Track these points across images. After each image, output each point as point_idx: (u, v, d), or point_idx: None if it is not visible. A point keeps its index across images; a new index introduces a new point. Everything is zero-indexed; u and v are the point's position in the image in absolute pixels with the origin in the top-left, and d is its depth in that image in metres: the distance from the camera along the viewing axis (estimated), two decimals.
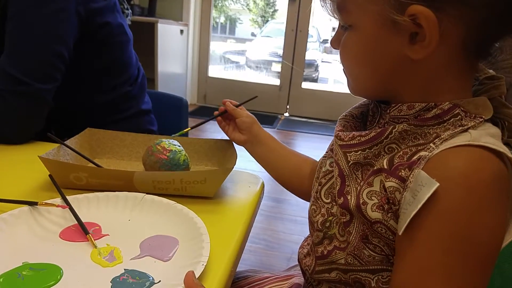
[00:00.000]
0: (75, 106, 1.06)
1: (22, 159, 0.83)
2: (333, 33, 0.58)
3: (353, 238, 0.52)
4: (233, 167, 0.70)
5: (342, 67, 0.58)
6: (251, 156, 0.85)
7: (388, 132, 0.50)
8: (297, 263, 0.70)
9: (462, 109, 0.48)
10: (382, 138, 0.51)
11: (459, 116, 0.47)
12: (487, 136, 0.45)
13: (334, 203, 0.57)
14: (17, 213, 0.56)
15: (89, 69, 1.04)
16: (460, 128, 0.46)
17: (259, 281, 0.75)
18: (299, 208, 2.23)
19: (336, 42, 0.56)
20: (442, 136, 0.46)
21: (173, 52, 4.00)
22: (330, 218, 0.57)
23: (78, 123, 0.91)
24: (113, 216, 0.61)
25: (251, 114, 0.84)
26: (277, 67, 4.85)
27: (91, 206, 0.62)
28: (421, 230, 0.43)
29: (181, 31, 4.13)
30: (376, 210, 0.49)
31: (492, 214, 0.43)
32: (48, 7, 0.89)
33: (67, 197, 0.61)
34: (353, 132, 0.55)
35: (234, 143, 0.84)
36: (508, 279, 0.63)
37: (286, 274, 0.78)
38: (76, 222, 0.57)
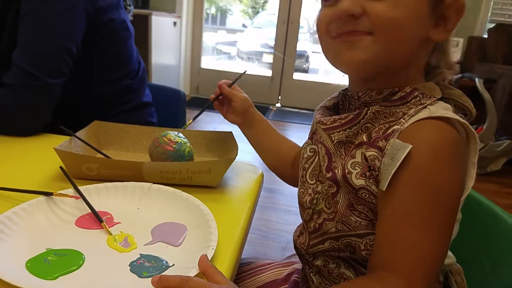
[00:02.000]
0: (78, 99, 1.09)
1: (33, 150, 0.86)
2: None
3: (341, 207, 0.59)
4: (235, 157, 0.74)
5: (372, 26, 0.55)
6: (245, 138, 0.88)
7: (364, 113, 0.59)
8: (293, 252, 0.75)
9: (420, 91, 0.57)
10: (360, 118, 0.59)
11: (418, 97, 0.57)
12: (442, 109, 0.56)
13: (318, 183, 0.65)
14: (35, 203, 0.58)
15: (91, 63, 1.07)
16: (421, 106, 0.56)
17: (261, 267, 0.79)
18: (293, 198, 2.25)
19: (357, 8, 0.54)
20: (409, 113, 0.56)
21: (166, 44, 4.00)
22: (316, 196, 0.65)
23: (80, 115, 0.94)
24: (123, 205, 0.64)
25: (246, 96, 0.86)
26: (268, 58, 4.87)
27: (101, 196, 0.65)
28: (398, 186, 0.52)
29: (174, 23, 4.12)
30: (360, 177, 0.57)
31: (451, 169, 0.53)
32: (59, 5, 0.91)
33: (79, 187, 0.64)
34: (334, 116, 0.63)
35: (234, 136, 0.87)
36: (497, 261, 0.67)
37: (287, 261, 0.82)
38: (89, 211, 0.60)
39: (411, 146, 0.50)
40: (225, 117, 0.88)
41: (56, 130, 0.85)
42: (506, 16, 3.85)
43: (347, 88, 0.67)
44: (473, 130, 0.55)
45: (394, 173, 0.51)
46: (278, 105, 4.60)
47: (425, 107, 0.56)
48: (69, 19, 0.93)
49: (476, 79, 2.88)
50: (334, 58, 0.61)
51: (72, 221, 0.58)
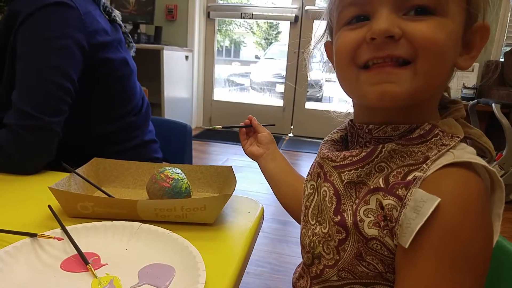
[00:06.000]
0: (79, 138, 1.09)
1: (31, 188, 0.86)
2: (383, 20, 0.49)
3: (347, 255, 0.54)
4: (231, 194, 0.72)
5: (415, 56, 0.49)
6: (261, 173, 0.88)
7: (378, 151, 0.53)
8: None
9: (440, 129, 0.51)
10: (373, 157, 0.53)
11: (439, 136, 0.51)
12: (467, 153, 0.49)
13: (317, 224, 0.60)
14: (20, 245, 0.57)
15: (89, 101, 1.07)
16: (444, 148, 0.49)
17: None
18: None
19: (397, 29, 0.49)
20: (432, 158, 0.49)
21: (178, 77, 4.07)
22: (314, 238, 0.61)
23: (83, 155, 0.93)
24: (111, 246, 0.62)
25: (269, 132, 0.92)
26: (281, 88, 4.90)
27: (89, 235, 0.63)
28: (422, 244, 0.46)
29: (186, 57, 4.20)
30: (373, 227, 0.51)
31: (483, 227, 0.46)
32: (53, 44, 0.93)
33: (67, 227, 0.62)
34: (343, 152, 0.57)
35: (233, 169, 0.86)
36: None
37: None
38: (76, 252, 0.58)
39: (439, 199, 0.44)
40: (246, 149, 0.91)
41: (60, 167, 0.85)
42: None
43: None
44: (500, 179, 0.49)
45: (418, 230, 0.45)
46: (291, 134, 4.60)
47: (448, 150, 0.49)
48: (63, 58, 0.94)
49: (493, 104, 2.77)
50: (360, 90, 0.53)
51: (57, 264, 0.56)
